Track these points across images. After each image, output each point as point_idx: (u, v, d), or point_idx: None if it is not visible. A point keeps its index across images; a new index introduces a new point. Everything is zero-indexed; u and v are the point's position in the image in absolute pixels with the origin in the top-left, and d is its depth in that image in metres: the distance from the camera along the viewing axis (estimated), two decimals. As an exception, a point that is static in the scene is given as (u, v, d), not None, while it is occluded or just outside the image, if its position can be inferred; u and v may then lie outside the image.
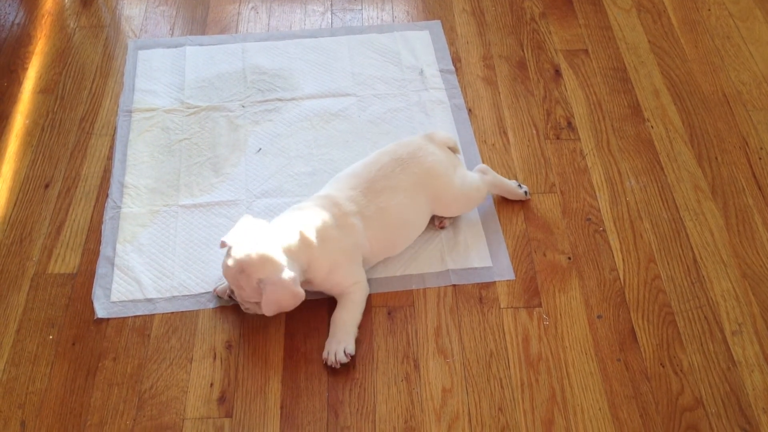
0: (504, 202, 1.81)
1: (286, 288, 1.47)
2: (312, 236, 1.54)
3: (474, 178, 1.75)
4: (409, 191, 1.65)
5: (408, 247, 1.72)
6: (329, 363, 1.52)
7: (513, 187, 1.80)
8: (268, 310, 1.49)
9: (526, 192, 1.80)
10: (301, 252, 1.52)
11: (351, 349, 1.53)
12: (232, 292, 1.58)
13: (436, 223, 1.75)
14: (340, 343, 1.53)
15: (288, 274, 1.47)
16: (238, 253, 1.48)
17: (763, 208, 1.80)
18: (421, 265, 1.70)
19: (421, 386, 1.52)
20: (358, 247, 1.61)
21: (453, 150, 1.76)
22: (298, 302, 1.50)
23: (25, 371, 1.54)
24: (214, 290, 1.64)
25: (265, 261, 1.47)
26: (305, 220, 1.56)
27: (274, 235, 1.52)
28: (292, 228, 1.54)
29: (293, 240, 1.52)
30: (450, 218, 1.76)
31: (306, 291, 1.52)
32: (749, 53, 2.17)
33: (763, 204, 1.81)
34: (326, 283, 1.58)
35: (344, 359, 1.52)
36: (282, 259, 1.48)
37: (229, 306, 1.63)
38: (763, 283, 1.67)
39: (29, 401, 1.49)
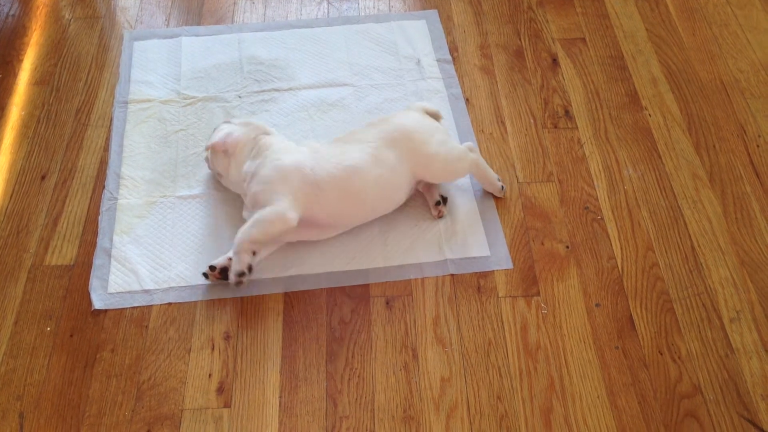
0: (502, 191, 1.81)
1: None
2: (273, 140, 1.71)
3: (458, 148, 1.75)
4: (376, 143, 1.68)
5: (406, 236, 1.71)
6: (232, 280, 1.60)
7: (493, 177, 1.79)
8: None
9: (502, 187, 1.79)
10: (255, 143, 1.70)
11: (236, 268, 1.58)
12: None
13: (434, 212, 1.75)
14: (233, 262, 1.59)
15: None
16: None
17: (761, 196, 1.80)
18: (419, 255, 1.70)
19: (419, 375, 1.52)
20: (299, 186, 1.61)
21: (434, 116, 1.80)
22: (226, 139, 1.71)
23: (23, 363, 1.53)
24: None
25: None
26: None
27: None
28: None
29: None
30: (445, 206, 1.75)
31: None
32: (747, 41, 2.16)
33: (761, 191, 1.81)
34: (249, 194, 1.65)
35: (232, 280, 1.58)
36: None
37: (227, 297, 1.63)
38: (761, 270, 1.67)
39: (27, 393, 1.49)
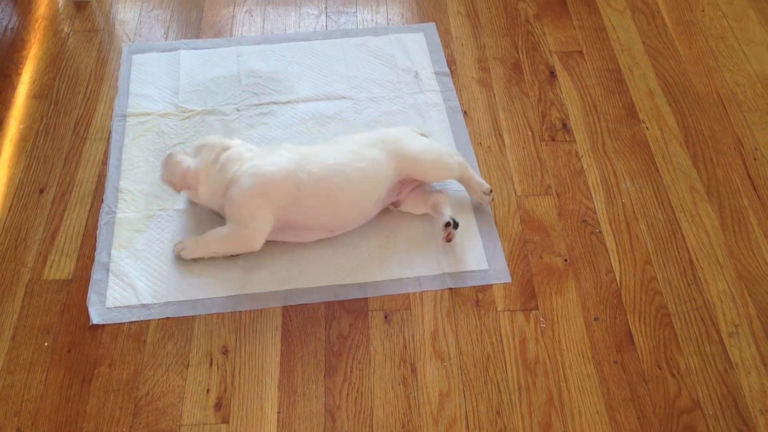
0: (500, 204, 1.81)
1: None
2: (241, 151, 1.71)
3: (447, 148, 1.81)
4: (359, 145, 1.71)
5: (404, 250, 1.71)
6: (174, 249, 1.70)
7: (479, 183, 1.76)
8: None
9: (490, 191, 1.77)
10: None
11: (185, 254, 1.68)
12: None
13: (443, 235, 1.69)
14: (189, 244, 1.68)
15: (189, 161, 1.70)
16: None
17: (758, 209, 1.81)
18: (418, 269, 1.70)
19: (418, 390, 1.52)
20: (280, 191, 1.63)
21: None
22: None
23: (20, 379, 1.53)
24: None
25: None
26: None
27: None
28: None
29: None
30: (456, 230, 1.69)
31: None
32: (743, 54, 2.17)
33: (758, 205, 1.81)
34: (226, 202, 1.67)
35: (175, 251, 1.70)
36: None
37: (225, 311, 1.62)
38: (759, 284, 1.67)
39: (25, 409, 1.49)
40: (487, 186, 1.77)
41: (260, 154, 1.70)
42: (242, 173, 1.64)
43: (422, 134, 1.82)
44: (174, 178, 1.69)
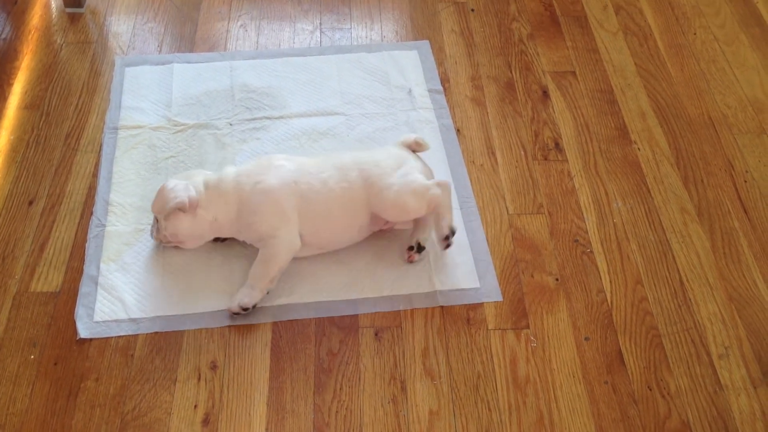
0: (492, 222, 1.81)
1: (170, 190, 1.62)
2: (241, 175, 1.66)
3: (419, 183, 1.62)
4: (344, 170, 1.66)
5: (395, 267, 1.71)
6: (229, 309, 1.62)
7: (446, 225, 1.64)
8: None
9: (447, 237, 1.65)
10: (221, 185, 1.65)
11: (244, 302, 1.60)
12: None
13: (405, 256, 1.71)
14: (241, 294, 1.61)
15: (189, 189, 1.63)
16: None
17: (748, 231, 1.81)
18: (409, 286, 1.69)
19: (408, 408, 1.50)
20: (290, 201, 1.62)
21: (417, 146, 1.76)
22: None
23: (5, 392, 1.51)
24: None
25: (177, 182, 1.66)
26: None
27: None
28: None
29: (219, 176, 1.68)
30: (420, 252, 1.70)
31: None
32: (734, 77, 2.19)
33: (748, 227, 1.82)
34: (245, 229, 1.65)
35: (235, 309, 1.60)
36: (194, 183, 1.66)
37: (214, 326, 1.61)
38: (749, 306, 1.67)
39: (9, 423, 1.47)
40: (444, 231, 1.64)
41: (260, 170, 1.67)
42: (249, 193, 1.63)
43: (419, 142, 1.75)
44: (185, 200, 1.60)
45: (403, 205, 1.62)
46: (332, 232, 1.68)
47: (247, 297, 1.60)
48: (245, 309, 1.60)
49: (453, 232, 1.66)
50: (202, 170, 1.76)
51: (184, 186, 1.63)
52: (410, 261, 1.71)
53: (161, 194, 1.64)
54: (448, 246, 1.68)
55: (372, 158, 1.70)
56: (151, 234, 1.71)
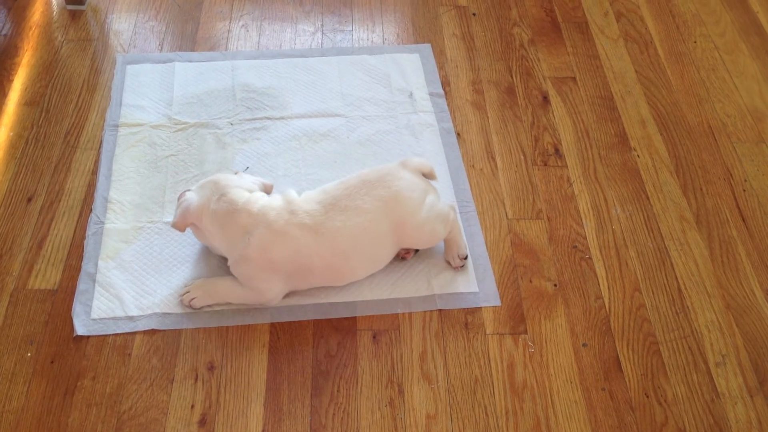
0: (491, 227, 1.81)
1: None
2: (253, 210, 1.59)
3: (443, 210, 1.68)
4: (372, 215, 1.58)
5: (394, 270, 1.71)
6: (183, 299, 1.64)
7: (459, 248, 1.71)
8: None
9: (466, 257, 1.72)
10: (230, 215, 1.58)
11: (196, 303, 1.63)
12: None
13: (400, 253, 1.71)
14: (196, 292, 1.63)
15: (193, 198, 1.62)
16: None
17: (746, 240, 1.82)
18: (407, 289, 1.69)
19: (405, 412, 1.50)
20: (288, 260, 1.58)
21: (428, 176, 1.71)
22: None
23: (1, 389, 1.50)
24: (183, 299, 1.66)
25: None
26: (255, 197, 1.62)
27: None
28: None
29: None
30: (414, 250, 1.73)
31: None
32: (734, 86, 2.20)
33: (746, 236, 1.83)
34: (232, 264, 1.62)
35: (185, 303, 1.63)
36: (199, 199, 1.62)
37: (212, 326, 1.61)
38: (747, 314, 1.68)
39: (5, 420, 1.46)
40: (464, 251, 1.72)
41: (277, 211, 1.59)
42: (260, 234, 1.56)
43: (429, 171, 1.71)
44: (176, 220, 1.61)
45: (436, 235, 1.68)
46: (354, 268, 1.65)
47: (195, 302, 1.63)
48: (192, 307, 1.64)
49: (465, 258, 1.72)
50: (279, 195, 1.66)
51: (185, 205, 1.61)
52: (404, 258, 1.71)
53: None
54: (461, 266, 1.72)
55: (399, 199, 1.61)
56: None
